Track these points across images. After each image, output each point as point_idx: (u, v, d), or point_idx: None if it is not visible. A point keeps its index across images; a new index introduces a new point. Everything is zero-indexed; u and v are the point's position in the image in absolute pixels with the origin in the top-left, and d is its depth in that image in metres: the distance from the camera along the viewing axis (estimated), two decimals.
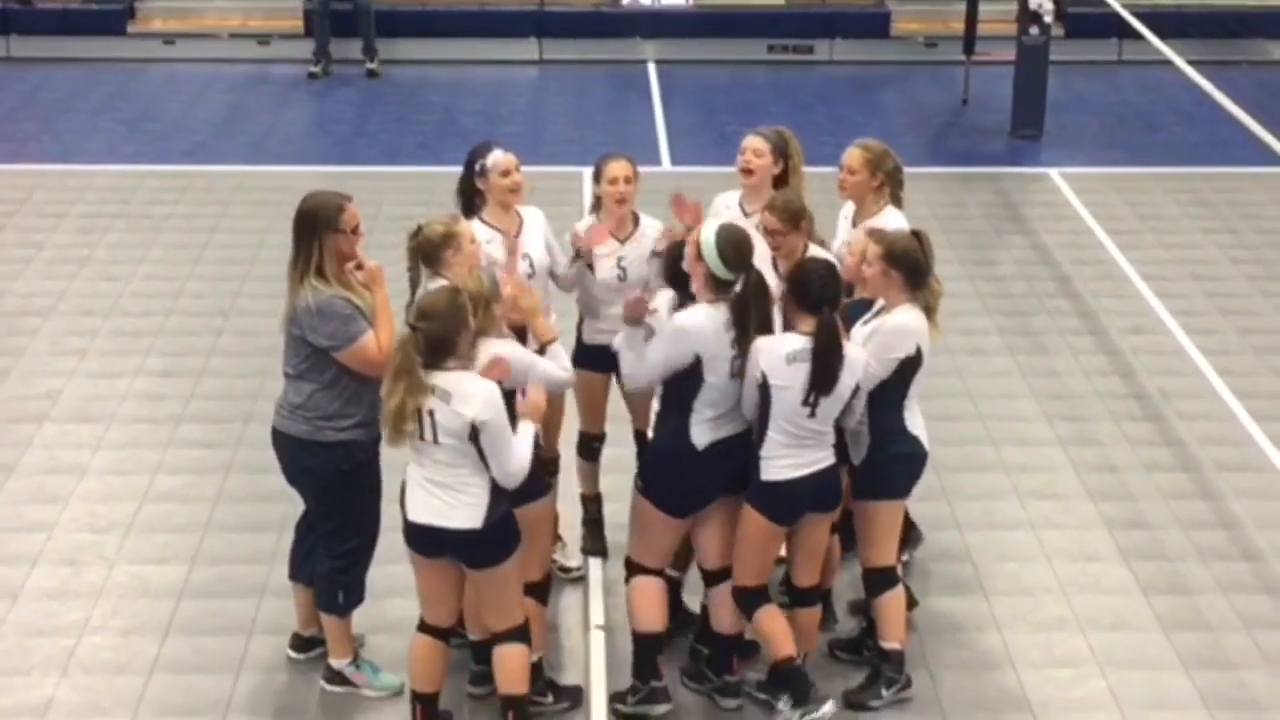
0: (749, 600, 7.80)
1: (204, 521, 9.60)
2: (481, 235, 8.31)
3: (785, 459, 7.55)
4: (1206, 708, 8.14)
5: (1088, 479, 10.24)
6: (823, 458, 7.63)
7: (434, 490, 7.27)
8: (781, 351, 7.46)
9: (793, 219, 8.25)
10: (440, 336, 7.13)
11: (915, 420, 7.92)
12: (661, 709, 7.84)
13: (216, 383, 11.31)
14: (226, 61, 19.36)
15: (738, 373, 7.53)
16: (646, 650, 7.86)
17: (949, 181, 15.29)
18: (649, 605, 7.84)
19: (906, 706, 8.09)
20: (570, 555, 9.09)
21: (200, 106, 17.84)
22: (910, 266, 7.76)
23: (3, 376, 11.34)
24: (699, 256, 7.52)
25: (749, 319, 7.49)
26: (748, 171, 8.76)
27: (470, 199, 8.61)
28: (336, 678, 8.13)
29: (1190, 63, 14.32)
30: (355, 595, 8.06)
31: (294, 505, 8.24)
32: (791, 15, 20.12)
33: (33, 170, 15.57)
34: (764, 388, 7.48)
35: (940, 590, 9.04)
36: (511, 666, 7.55)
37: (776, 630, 7.79)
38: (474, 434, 7.14)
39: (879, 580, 8.05)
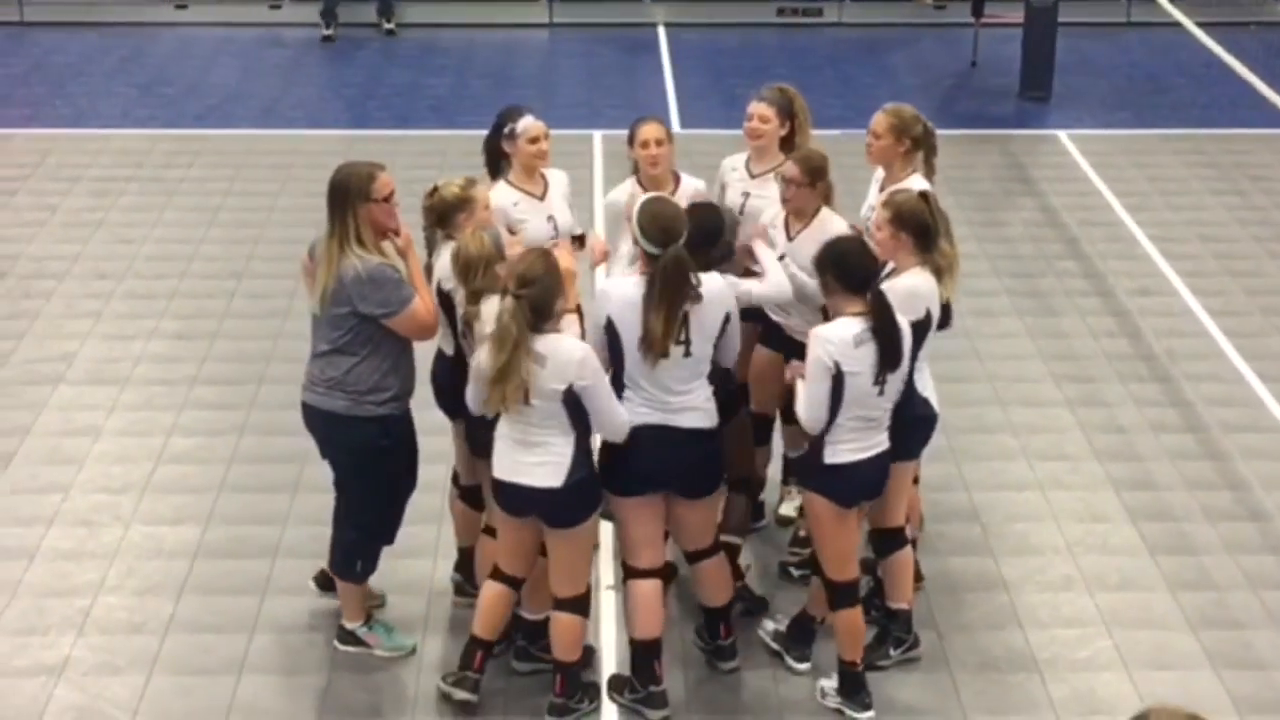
0: (835, 596, 7.74)
1: (218, 482, 9.67)
2: (508, 198, 8.39)
3: (851, 443, 7.47)
4: (1212, 667, 8.19)
5: (1095, 440, 10.29)
6: (881, 440, 7.59)
7: (520, 449, 7.34)
8: (848, 336, 7.34)
9: (812, 174, 8.28)
10: (542, 301, 7.18)
11: (925, 382, 7.93)
12: (658, 715, 7.75)
13: (230, 345, 11.37)
14: (238, 25, 19.38)
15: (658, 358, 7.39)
16: (644, 656, 7.78)
17: (958, 144, 15.28)
18: (645, 611, 7.74)
19: (914, 666, 8.16)
20: None
21: (213, 70, 17.87)
22: (918, 228, 7.72)
23: (18, 339, 11.41)
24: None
25: (651, 295, 7.32)
26: (755, 136, 8.81)
27: (496, 158, 8.67)
28: (350, 638, 8.19)
29: (1198, 24, 14.36)
30: (372, 564, 8.12)
31: (307, 467, 8.31)
32: None
33: (47, 134, 15.62)
34: (838, 377, 7.35)
35: (948, 550, 9.10)
36: (565, 634, 7.62)
37: (850, 635, 7.77)
38: (568, 396, 7.21)
39: (888, 541, 8.09)
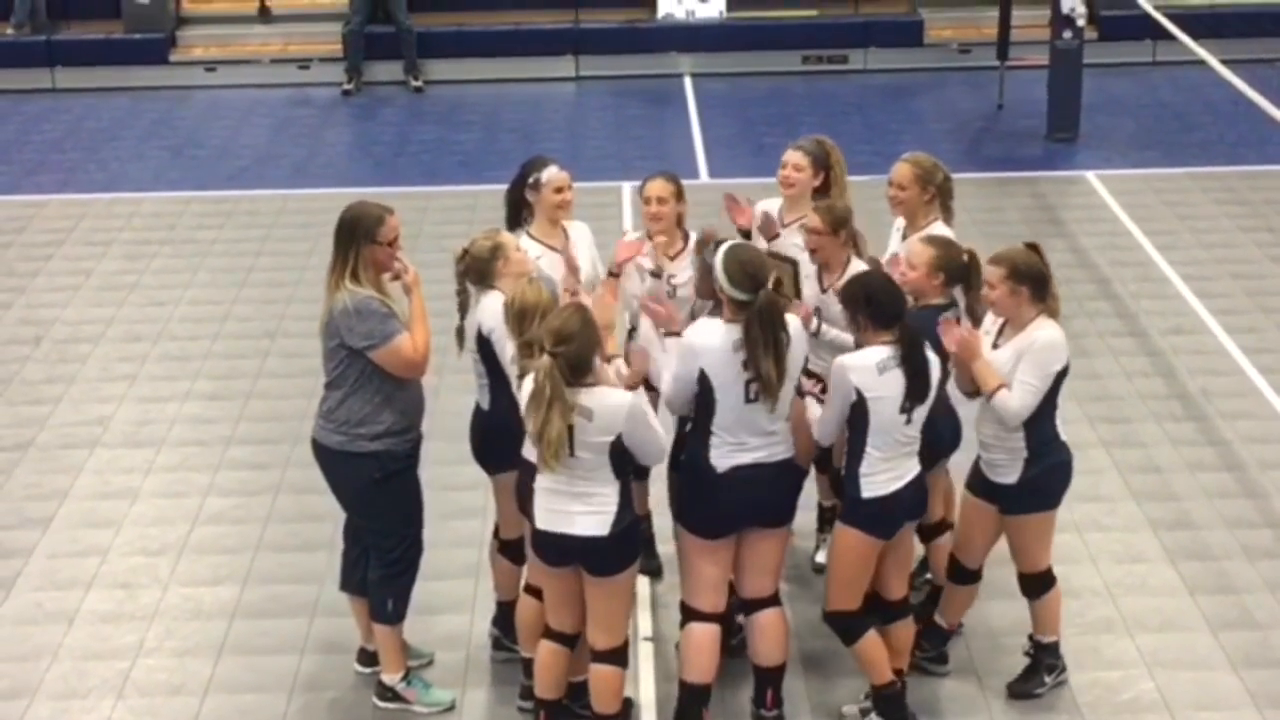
0: (849, 627, 7.74)
1: (255, 542, 9.70)
2: (532, 252, 8.38)
3: (885, 473, 7.50)
4: (1257, 707, 8.15)
5: (1132, 480, 10.26)
6: (914, 466, 7.61)
7: (564, 499, 7.34)
8: (870, 363, 7.40)
9: (834, 224, 8.31)
10: (579, 357, 7.20)
11: (1062, 427, 7.96)
12: None
13: (264, 404, 11.41)
14: (268, 86, 19.49)
15: (755, 397, 7.43)
16: (692, 701, 7.75)
17: (986, 187, 15.30)
18: (700, 656, 7.71)
19: (956, 711, 8.13)
20: None
21: (243, 132, 17.97)
22: (1036, 278, 7.74)
23: (54, 403, 11.46)
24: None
25: (755, 341, 7.35)
26: (788, 185, 8.83)
27: (517, 209, 8.69)
28: (389, 694, 8.19)
29: (1224, 62, 14.33)
30: (404, 603, 8.12)
31: (342, 523, 8.31)
32: (825, 25, 20.15)
33: (80, 199, 15.71)
34: (859, 404, 7.41)
35: (986, 595, 9.00)
36: (605, 687, 7.59)
37: (877, 658, 7.76)
38: (615, 446, 7.24)
39: (1038, 583, 8.11)
